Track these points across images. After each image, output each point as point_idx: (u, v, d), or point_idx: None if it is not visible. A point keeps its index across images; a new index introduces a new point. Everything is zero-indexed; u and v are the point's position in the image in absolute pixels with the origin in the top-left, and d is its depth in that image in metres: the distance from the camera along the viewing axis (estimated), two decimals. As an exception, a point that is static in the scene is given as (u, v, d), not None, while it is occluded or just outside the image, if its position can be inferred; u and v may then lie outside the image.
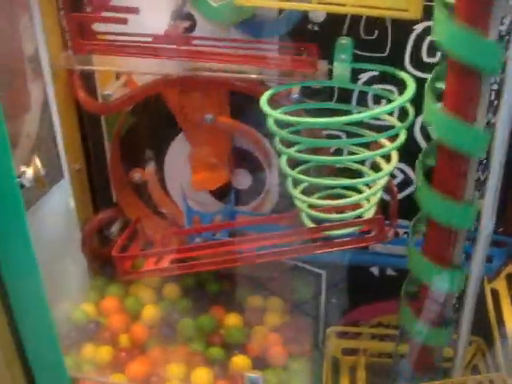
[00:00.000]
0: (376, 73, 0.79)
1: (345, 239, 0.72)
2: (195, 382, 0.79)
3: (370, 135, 0.69)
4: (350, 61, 0.73)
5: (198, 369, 0.81)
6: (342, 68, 0.72)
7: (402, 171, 0.86)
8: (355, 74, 0.78)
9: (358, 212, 0.71)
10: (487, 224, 0.67)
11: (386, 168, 0.68)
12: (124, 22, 0.70)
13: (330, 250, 0.71)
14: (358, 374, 0.87)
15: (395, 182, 0.87)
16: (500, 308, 0.83)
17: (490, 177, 0.65)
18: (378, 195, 0.71)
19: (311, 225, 0.72)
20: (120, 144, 0.85)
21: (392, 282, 0.85)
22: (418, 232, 0.72)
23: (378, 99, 0.81)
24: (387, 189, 0.73)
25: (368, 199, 0.70)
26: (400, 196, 0.86)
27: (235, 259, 0.73)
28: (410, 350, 0.81)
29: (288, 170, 0.69)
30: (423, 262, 0.70)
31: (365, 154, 0.68)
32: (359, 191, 0.74)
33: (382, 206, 0.78)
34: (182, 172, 0.86)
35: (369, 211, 0.71)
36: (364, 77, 0.80)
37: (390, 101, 0.71)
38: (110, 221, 0.91)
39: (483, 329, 0.84)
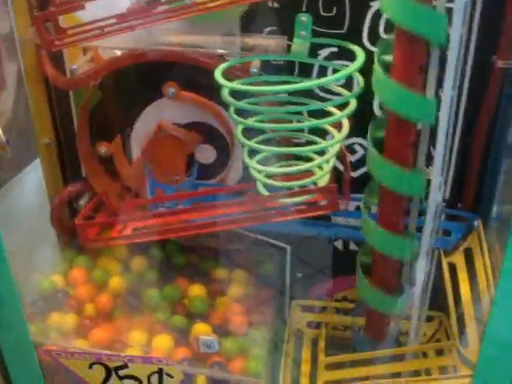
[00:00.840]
0: (335, 49, 0.80)
1: (298, 208, 0.73)
2: (156, 348, 0.80)
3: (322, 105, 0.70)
4: (309, 37, 0.74)
5: (159, 336, 0.82)
6: (301, 44, 0.73)
7: (362, 146, 0.86)
8: (315, 50, 0.80)
9: (310, 180, 0.72)
10: (436, 192, 0.69)
11: (337, 136, 0.69)
12: (82, 7, 0.71)
13: (284, 218, 0.73)
14: (319, 345, 0.88)
15: (355, 157, 0.88)
16: (457, 281, 0.84)
17: (437, 143, 0.66)
18: (331, 163, 0.72)
19: (266, 194, 0.73)
20: (87, 118, 0.86)
21: (355, 257, 0.87)
22: (372, 202, 0.73)
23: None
24: (341, 159, 0.74)
25: (320, 167, 0.71)
26: (360, 171, 0.89)
27: (192, 227, 0.74)
28: (366, 320, 0.83)
29: (243, 139, 0.70)
30: (377, 230, 0.72)
31: (314, 121, 0.69)
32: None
33: (339, 178, 0.80)
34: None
35: (322, 179, 0.72)
36: (323, 53, 0.81)
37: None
38: (78, 194, 0.93)
39: (446, 304, 0.84)
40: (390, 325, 0.81)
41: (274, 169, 0.71)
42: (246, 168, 0.87)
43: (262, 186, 0.74)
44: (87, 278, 0.91)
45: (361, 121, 0.75)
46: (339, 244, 0.95)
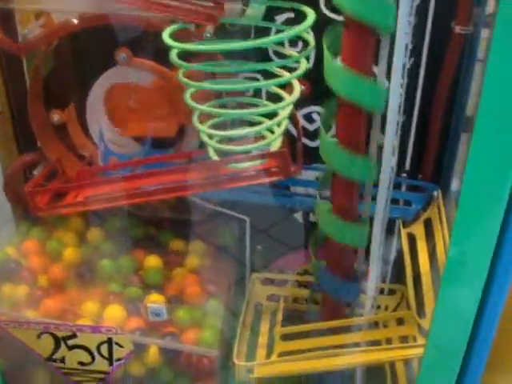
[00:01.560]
0: (292, 15, 0.79)
1: (249, 173, 0.71)
2: (108, 319, 0.79)
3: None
4: (265, 1, 0.73)
5: (111, 306, 0.81)
6: (256, 8, 0.71)
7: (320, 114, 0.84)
8: (271, 15, 0.78)
9: (261, 143, 0.70)
10: (389, 157, 0.68)
11: (288, 98, 0.67)
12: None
13: (235, 184, 0.71)
14: (276, 317, 0.86)
15: (313, 126, 0.87)
16: (416, 252, 0.83)
17: (389, 104, 0.65)
18: (282, 127, 0.71)
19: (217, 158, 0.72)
20: (40, 85, 0.84)
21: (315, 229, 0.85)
22: (326, 185, 0.73)
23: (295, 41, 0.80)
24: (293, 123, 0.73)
25: (271, 131, 0.70)
26: (318, 141, 0.86)
27: (143, 193, 0.72)
28: (321, 300, 0.83)
29: (192, 103, 0.69)
30: (329, 216, 0.71)
31: (262, 82, 0.67)
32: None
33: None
34: (103, 114, 0.85)
35: (274, 145, 0.71)
36: (280, 18, 0.80)
37: (305, 41, 0.72)
38: (33, 164, 0.90)
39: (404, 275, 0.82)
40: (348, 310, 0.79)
41: (223, 132, 0.69)
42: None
43: (212, 151, 0.72)
44: (41, 250, 0.89)
45: (319, 89, 0.73)
46: (299, 216, 0.93)
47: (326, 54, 0.62)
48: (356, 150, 0.66)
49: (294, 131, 0.84)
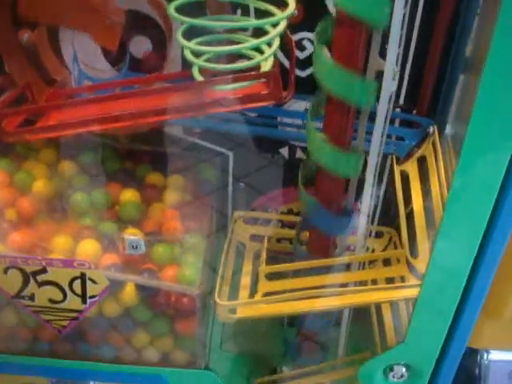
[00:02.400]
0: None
1: (236, 97, 0.65)
2: (81, 254, 0.73)
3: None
4: None
5: (85, 241, 0.75)
6: None
7: (312, 42, 0.78)
8: None
9: (250, 62, 0.64)
10: (389, 81, 0.63)
11: (279, 14, 0.62)
12: None
13: (221, 109, 0.65)
14: (261, 256, 0.81)
15: (304, 54, 0.83)
16: (408, 190, 0.79)
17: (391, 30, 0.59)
18: (274, 47, 0.65)
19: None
20: (8, 2, 0.76)
21: (302, 166, 0.80)
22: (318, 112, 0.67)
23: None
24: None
25: (260, 50, 0.63)
26: (310, 70, 0.81)
27: (120, 116, 0.66)
28: (309, 234, 0.78)
29: (182, 40, 0.63)
30: (323, 144, 0.66)
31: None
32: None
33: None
34: (78, 34, 0.77)
35: (264, 66, 0.65)
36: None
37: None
38: (0, 89, 0.82)
39: (397, 222, 0.80)
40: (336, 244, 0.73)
41: (211, 48, 0.62)
42: (184, 64, 0.78)
43: (197, 71, 0.65)
44: (9, 182, 0.81)
45: (311, 14, 0.70)
46: (285, 152, 0.87)
47: (317, 47, 0.58)
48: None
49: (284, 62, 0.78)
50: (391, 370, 0.72)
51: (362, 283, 0.78)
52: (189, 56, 0.66)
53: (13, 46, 0.80)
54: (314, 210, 0.71)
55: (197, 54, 0.68)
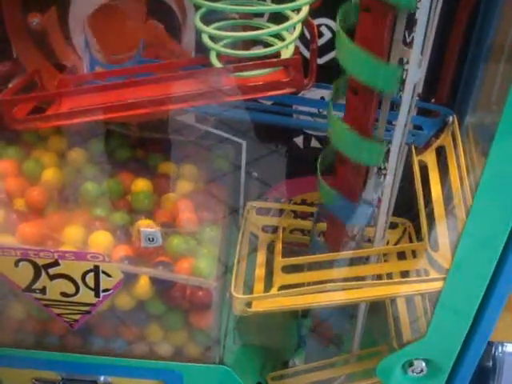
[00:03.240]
0: None
1: (256, 85, 0.62)
2: (93, 246, 0.70)
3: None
4: None
5: (97, 232, 0.73)
6: None
7: (330, 28, 0.76)
8: None
9: (271, 49, 0.61)
10: (415, 69, 0.60)
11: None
12: None
13: (240, 97, 0.63)
14: (275, 248, 0.79)
15: (321, 41, 0.81)
16: (427, 180, 0.77)
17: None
18: (296, 34, 0.62)
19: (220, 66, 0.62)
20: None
21: (317, 155, 0.77)
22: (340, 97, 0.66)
23: None
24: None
25: (280, 36, 0.60)
26: (327, 57, 0.80)
27: (134, 105, 0.63)
28: (327, 225, 0.77)
29: (201, 25, 0.61)
30: (344, 131, 0.63)
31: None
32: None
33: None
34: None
35: (285, 53, 0.62)
36: None
37: None
38: (8, 75, 0.80)
39: (411, 213, 0.80)
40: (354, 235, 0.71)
41: (236, 33, 0.60)
42: (198, 50, 0.75)
43: (214, 57, 0.62)
44: (18, 171, 0.78)
45: None
46: (299, 141, 0.85)
47: (339, 30, 0.56)
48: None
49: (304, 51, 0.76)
50: (411, 364, 0.70)
51: (378, 276, 0.75)
52: (207, 41, 0.63)
53: (22, 31, 0.78)
54: (333, 199, 0.68)
55: (214, 40, 0.65)
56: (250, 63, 0.63)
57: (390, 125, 0.64)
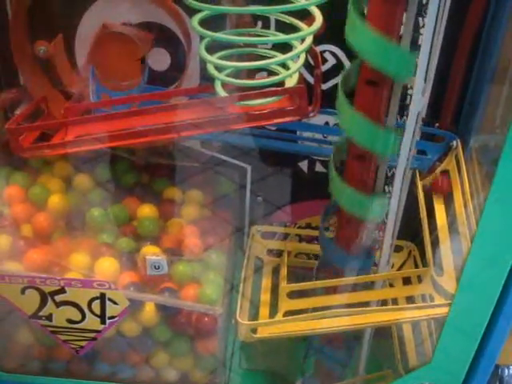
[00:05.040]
0: None
1: (261, 113, 0.63)
2: (99, 272, 0.71)
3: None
4: None
5: (103, 259, 0.73)
6: None
7: (334, 55, 0.76)
8: None
9: (276, 78, 0.62)
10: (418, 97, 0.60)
11: (306, 29, 0.59)
12: None
13: (244, 125, 0.63)
14: (280, 273, 0.79)
15: (325, 66, 0.82)
16: (431, 204, 0.78)
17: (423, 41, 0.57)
18: (299, 63, 0.62)
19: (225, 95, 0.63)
20: (25, 13, 0.75)
21: (321, 180, 0.78)
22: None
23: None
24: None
25: (287, 67, 0.61)
26: (330, 83, 0.81)
27: (140, 133, 0.63)
28: (337, 227, 0.75)
29: (205, 55, 0.62)
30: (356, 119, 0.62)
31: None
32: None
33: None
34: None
35: (289, 81, 0.62)
36: None
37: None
38: (14, 102, 0.80)
39: (415, 236, 0.81)
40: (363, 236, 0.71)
41: (234, 63, 0.61)
42: (203, 77, 0.76)
43: (219, 86, 0.63)
44: (24, 197, 0.79)
45: (333, 25, 0.65)
46: (304, 165, 0.85)
47: (352, 13, 0.55)
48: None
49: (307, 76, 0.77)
50: (417, 389, 0.69)
51: (383, 301, 0.75)
52: (212, 71, 0.64)
53: (29, 59, 0.79)
54: (345, 195, 0.69)
55: (219, 69, 0.66)
56: (255, 92, 0.64)
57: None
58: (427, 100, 0.70)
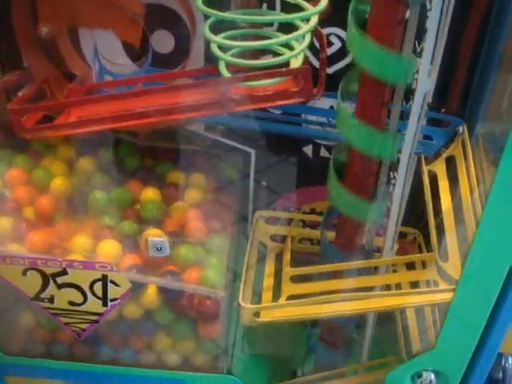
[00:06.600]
0: None
1: (265, 94, 0.62)
2: (101, 255, 0.70)
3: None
4: None
5: (105, 241, 0.72)
6: None
7: (339, 37, 0.75)
8: None
9: (280, 58, 0.61)
10: (425, 79, 0.59)
11: (311, 9, 0.59)
12: None
13: (248, 107, 0.62)
14: (284, 257, 0.78)
15: (331, 50, 0.80)
16: (437, 191, 0.77)
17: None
18: (305, 44, 0.62)
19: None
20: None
21: (326, 165, 0.77)
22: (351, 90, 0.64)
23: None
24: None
25: (291, 48, 0.60)
26: (336, 67, 0.80)
27: (143, 114, 0.63)
28: (337, 231, 0.75)
29: (210, 35, 0.60)
30: (354, 122, 0.63)
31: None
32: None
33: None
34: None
35: (294, 62, 0.62)
36: None
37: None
38: (17, 84, 0.79)
39: (420, 222, 0.81)
40: (363, 236, 0.72)
41: (245, 43, 0.59)
42: (208, 60, 0.75)
43: (223, 67, 0.62)
44: (27, 179, 0.79)
45: (339, 8, 0.65)
46: (308, 150, 0.84)
47: (351, 22, 0.55)
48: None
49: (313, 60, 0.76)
50: (419, 376, 0.69)
51: (387, 286, 0.74)
52: (216, 51, 0.63)
53: (31, 40, 0.78)
54: (343, 196, 0.68)
55: (223, 50, 0.65)
56: (259, 73, 0.63)
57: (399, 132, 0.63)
58: (434, 83, 0.69)
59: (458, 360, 0.67)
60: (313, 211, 0.91)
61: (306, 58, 0.68)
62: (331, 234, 0.77)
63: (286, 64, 0.67)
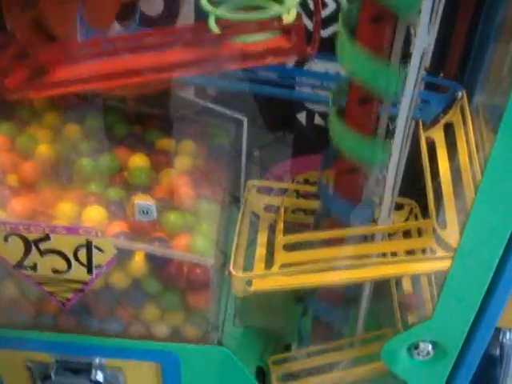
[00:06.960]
0: None
1: (257, 51, 0.59)
2: (86, 221, 0.68)
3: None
4: None
5: (91, 207, 0.70)
6: None
7: (334, -2, 0.72)
8: None
9: (272, 11, 0.57)
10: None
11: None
12: None
13: (239, 65, 0.60)
14: (277, 226, 0.76)
15: (325, 12, 0.78)
16: (435, 158, 0.75)
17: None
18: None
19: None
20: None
21: (320, 133, 0.74)
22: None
23: None
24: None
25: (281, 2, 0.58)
26: (331, 29, 0.78)
27: (130, 72, 0.60)
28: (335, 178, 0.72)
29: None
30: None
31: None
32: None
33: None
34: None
35: (286, 19, 0.59)
36: None
37: None
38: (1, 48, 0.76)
39: (417, 194, 0.78)
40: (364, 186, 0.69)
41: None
42: (197, 17, 0.72)
43: (213, 22, 0.59)
44: (11, 146, 0.76)
45: None
46: (302, 118, 0.81)
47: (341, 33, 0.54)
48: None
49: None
50: (416, 347, 0.67)
51: (382, 255, 0.72)
52: (205, 5, 0.60)
53: (13, 0, 0.73)
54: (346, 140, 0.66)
55: (213, 4, 0.62)
56: (251, 27, 0.59)
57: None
58: (432, 42, 0.66)
59: (455, 331, 0.66)
60: (306, 181, 0.88)
61: (299, 17, 0.65)
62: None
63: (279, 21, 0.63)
